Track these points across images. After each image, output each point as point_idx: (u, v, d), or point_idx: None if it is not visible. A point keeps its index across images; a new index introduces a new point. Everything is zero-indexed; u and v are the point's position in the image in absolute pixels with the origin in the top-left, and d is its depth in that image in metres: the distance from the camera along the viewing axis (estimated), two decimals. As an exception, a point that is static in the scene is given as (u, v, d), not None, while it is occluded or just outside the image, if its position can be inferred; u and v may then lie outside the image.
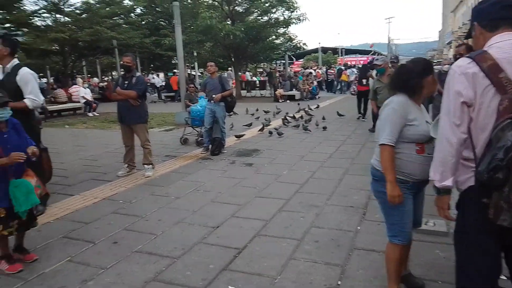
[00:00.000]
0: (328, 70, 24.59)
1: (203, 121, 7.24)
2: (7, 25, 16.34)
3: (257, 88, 22.87)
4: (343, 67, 23.40)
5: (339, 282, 2.69)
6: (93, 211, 4.27)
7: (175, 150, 7.49)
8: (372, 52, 43.32)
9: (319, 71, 26.16)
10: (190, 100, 9.95)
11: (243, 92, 21.67)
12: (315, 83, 20.48)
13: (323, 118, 10.50)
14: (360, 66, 18.95)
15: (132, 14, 25.30)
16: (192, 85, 11.30)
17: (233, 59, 20.13)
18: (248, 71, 31.22)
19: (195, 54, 22.46)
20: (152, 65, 31.19)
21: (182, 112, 10.65)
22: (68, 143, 8.64)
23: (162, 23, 27.30)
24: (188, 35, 17.58)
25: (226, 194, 4.70)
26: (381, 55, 20.57)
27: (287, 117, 10.65)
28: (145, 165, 5.62)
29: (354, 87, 10.13)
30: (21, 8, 16.97)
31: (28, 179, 2.98)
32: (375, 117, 8.18)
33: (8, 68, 3.86)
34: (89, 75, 30.10)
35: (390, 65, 7.64)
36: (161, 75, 30.54)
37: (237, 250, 3.21)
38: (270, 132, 8.68)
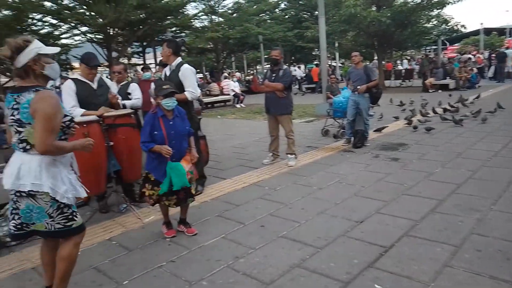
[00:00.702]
0: (492, 55, 21.11)
1: (345, 113, 7.09)
2: (174, 28, 18.94)
3: (401, 78, 21.25)
4: (508, 51, 19.65)
5: (510, 302, 2.31)
6: (242, 194, 4.64)
7: (316, 141, 7.54)
8: (555, 30, 35.12)
9: (480, 56, 22.68)
10: (332, 92, 9.88)
11: (387, 82, 20.40)
12: (475, 70, 17.86)
13: (493, 111, 8.99)
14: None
15: (276, 10, 26.37)
16: (333, 76, 11.18)
17: (376, 47, 19.08)
18: (406, 59, 29.10)
19: (336, 44, 22.07)
20: (293, 58, 32.04)
21: (323, 103, 10.65)
22: (220, 132, 9.58)
23: (304, 15, 27.69)
24: (330, 25, 17.36)
25: (370, 189, 4.51)
26: None
27: (435, 109, 9.56)
28: (289, 155, 5.82)
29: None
30: (185, 13, 19.43)
31: (183, 164, 3.38)
32: None
33: (173, 66, 4.48)
34: (236, 70, 32.70)
35: None
36: (302, 67, 31.10)
37: (383, 248, 3.05)
38: (415, 127, 7.91)
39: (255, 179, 5.21)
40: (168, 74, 4.53)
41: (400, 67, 24.77)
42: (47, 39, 14.06)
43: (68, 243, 2.39)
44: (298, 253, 3.09)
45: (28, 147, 2.21)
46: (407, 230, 3.35)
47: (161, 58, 5.39)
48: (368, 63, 16.26)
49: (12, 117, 2.19)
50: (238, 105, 15.80)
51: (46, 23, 15.11)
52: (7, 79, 13.40)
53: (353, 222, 3.60)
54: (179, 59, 4.51)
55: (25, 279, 2.98)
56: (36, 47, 2.20)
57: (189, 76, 4.42)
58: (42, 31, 14.79)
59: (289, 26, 24.27)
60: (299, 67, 27.89)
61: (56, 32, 15.64)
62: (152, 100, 4.50)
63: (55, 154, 2.25)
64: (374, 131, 7.79)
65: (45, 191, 2.19)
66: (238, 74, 26.48)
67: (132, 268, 3.03)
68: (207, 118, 12.21)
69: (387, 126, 8.16)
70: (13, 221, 2.26)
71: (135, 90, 5.04)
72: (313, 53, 29.90)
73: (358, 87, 6.53)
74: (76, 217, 2.38)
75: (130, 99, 4.88)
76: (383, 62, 20.55)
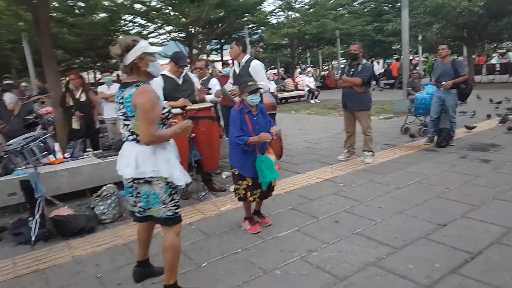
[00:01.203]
0: None
1: (428, 110, 6.66)
2: (250, 25, 19.33)
3: (496, 73, 19.25)
4: None
5: None
6: (316, 189, 4.62)
7: (395, 138, 7.20)
8: None
9: None
10: (413, 88, 9.33)
11: (477, 78, 18.65)
12: None
13: None
14: None
15: (355, 3, 25.52)
16: (416, 71, 10.54)
17: (466, 40, 17.52)
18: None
19: (419, 38, 20.69)
20: (371, 52, 30.74)
21: (403, 99, 10.13)
22: (294, 127, 9.60)
23: (385, 8, 26.39)
24: (414, 17, 16.34)
25: (455, 191, 4.20)
26: None
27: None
28: (365, 152, 5.64)
29: None
30: (262, 9, 19.72)
31: (270, 156, 3.46)
32: None
33: (242, 63, 4.68)
34: (311, 65, 32.32)
35: None
36: (380, 62, 29.73)
37: (470, 255, 2.84)
38: (510, 128, 7.12)
39: (330, 175, 5.14)
40: (237, 70, 4.70)
41: (493, 61, 22.42)
42: (137, 38, 15.37)
43: (169, 234, 2.48)
44: (373, 251, 3.01)
45: (138, 138, 2.39)
46: (498, 237, 3.07)
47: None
48: (457, 57, 14.99)
49: (120, 111, 2.41)
50: (312, 101, 15.67)
51: (136, 24, 16.45)
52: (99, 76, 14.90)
53: (435, 225, 3.39)
54: (247, 56, 4.71)
55: (118, 254, 3.31)
56: (143, 46, 2.37)
57: (260, 71, 4.62)
58: (132, 31, 16.15)
59: (368, 20, 23.31)
60: (377, 62, 26.68)
61: (144, 32, 16.94)
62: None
63: (158, 143, 2.40)
64: (466, 127, 7.25)
65: (162, 176, 2.36)
66: (310, 69, 26.13)
67: (210, 252, 3.21)
68: (281, 113, 12.29)
69: (476, 126, 7.48)
70: (136, 207, 2.51)
71: (215, 85, 5.29)
72: (393, 47, 28.43)
73: (443, 83, 6.08)
74: (179, 206, 2.54)
75: (210, 94, 5.13)
76: (474, 56, 18.83)
